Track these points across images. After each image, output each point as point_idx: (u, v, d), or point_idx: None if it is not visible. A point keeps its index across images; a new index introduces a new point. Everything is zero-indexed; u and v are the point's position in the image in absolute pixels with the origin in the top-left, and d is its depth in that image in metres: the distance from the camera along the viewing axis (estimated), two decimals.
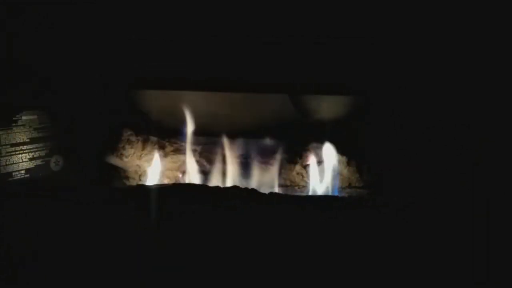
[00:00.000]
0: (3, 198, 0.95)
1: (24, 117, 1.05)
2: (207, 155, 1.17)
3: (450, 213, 0.87)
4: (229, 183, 1.13)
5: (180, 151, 1.18)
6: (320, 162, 1.13)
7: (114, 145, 1.16)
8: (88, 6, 0.97)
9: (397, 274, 0.81)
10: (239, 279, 0.81)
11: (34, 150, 1.07)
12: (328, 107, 1.12)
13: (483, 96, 0.99)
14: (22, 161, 1.05)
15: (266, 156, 1.15)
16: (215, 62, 1.02)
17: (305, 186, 1.14)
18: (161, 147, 1.18)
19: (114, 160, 1.17)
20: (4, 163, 1.02)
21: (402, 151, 1.08)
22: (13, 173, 1.03)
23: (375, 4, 0.94)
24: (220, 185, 1.11)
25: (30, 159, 1.07)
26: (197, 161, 1.17)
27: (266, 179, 1.13)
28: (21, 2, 0.97)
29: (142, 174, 1.18)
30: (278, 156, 1.14)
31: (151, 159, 1.17)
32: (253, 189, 0.98)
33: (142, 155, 1.17)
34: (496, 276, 0.80)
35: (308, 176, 1.14)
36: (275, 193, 1.02)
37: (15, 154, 1.04)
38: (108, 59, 1.03)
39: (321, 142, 1.13)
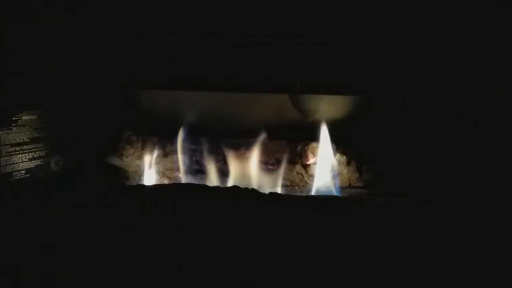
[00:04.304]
0: (3, 198, 0.95)
1: (24, 117, 1.05)
2: (208, 155, 1.17)
3: (450, 213, 0.87)
4: (229, 183, 1.13)
5: (180, 151, 1.18)
6: (320, 162, 1.13)
7: (114, 145, 1.16)
8: (88, 6, 0.97)
9: (396, 274, 0.80)
10: (239, 279, 0.81)
11: (34, 150, 1.07)
12: (328, 107, 1.12)
13: (483, 97, 0.99)
14: (22, 161, 1.05)
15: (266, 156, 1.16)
16: (215, 62, 1.02)
17: (305, 186, 1.14)
18: (161, 147, 1.18)
19: (114, 160, 1.17)
20: (4, 163, 1.02)
21: (402, 151, 1.08)
22: (13, 173, 1.03)
23: (376, 4, 0.94)
24: (220, 185, 1.11)
25: (30, 159, 1.07)
26: (197, 161, 1.17)
27: (266, 179, 1.13)
28: (22, 2, 0.97)
29: (142, 174, 1.18)
30: (279, 157, 1.14)
31: (151, 159, 1.17)
32: (253, 189, 0.98)
33: (142, 155, 1.17)
34: (494, 276, 0.80)
35: (308, 176, 1.14)
36: (275, 193, 1.02)
37: (15, 154, 1.04)
38: (108, 59, 1.03)
39: (321, 142, 1.13)
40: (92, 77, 1.11)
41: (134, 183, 1.16)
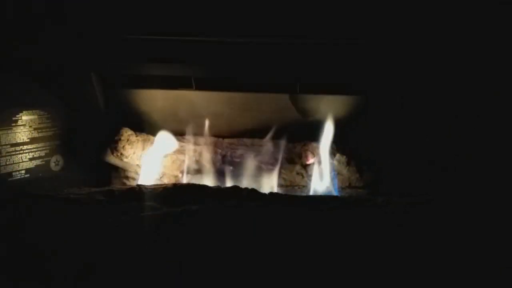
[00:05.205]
0: (3, 198, 0.95)
1: (24, 117, 1.05)
2: (207, 155, 1.17)
3: (450, 212, 0.87)
4: (229, 183, 1.13)
5: (180, 151, 1.18)
6: (320, 162, 1.13)
7: (114, 145, 1.16)
8: (88, 5, 0.97)
9: (397, 274, 0.80)
10: (239, 279, 0.81)
11: (34, 150, 1.08)
12: (328, 107, 1.12)
13: (481, 97, 0.99)
14: (22, 161, 1.05)
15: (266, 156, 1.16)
16: (215, 62, 1.02)
17: (305, 186, 1.14)
18: None
19: (114, 160, 1.17)
20: (4, 163, 1.02)
21: (402, 151, 1.08)
22: (13, 173, 1.03)
23: (376, 4, 0.94)
24: (220, 185, 1.11)
25: (30, 159, 1.07)
26: (197, 161, 1.17)
27: (266, 179, 1.13)
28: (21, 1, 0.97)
29: (142, 174, 1.18)
30: (278, 156, 1.14)
31: (151, 159, 1.17)
32: (253, 189, 0.98)
33: (142, 155, 1.17)
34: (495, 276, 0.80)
35: (308, 176, 1.14)
36: (275, 193, 1.02)
37: (15, 154, 1.04)
38: (108, 58, 1.03)
39: (321, 142, 1.13)
40: (92, 77, 1.12)
41: (134, 183, 1.16)
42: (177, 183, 1.13)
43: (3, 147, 1.02)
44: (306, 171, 1.15)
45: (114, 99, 1.16)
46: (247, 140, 1.18)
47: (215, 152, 1.17)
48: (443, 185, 1.01)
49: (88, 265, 0.83)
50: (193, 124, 1.16)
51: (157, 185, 1.07)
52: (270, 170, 1.14)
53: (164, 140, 1.16)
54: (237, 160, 1.15)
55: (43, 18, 0.97)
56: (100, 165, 1.18)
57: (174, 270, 0.81)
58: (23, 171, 1.05)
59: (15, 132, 1.04)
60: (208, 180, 1.14)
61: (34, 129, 1.07)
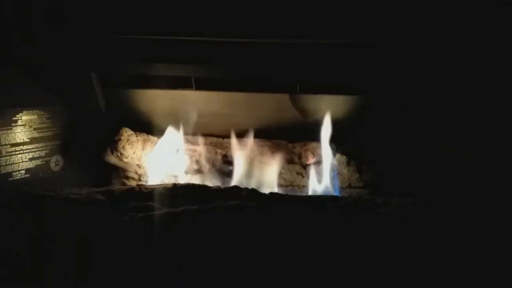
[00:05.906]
0: (3, 198, 0.95)
1: (24, 117, 1.05)
2: (208, 155, 1.17)
3: (450, 212, 0.87)
4: (229, 183, 1.13)
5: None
6: (320, 162, 1.13)
7: (114, 145, 1.16)
8: (88, 5, 0.97)
9: (397, 274, 0.81)
10: (239, 280, 0.81)
11: (34, 150, 1.08)
12: (328, 107, 1.12)
13: (482, 97, 0.99)
14: (22, 161, 1.05)
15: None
16: (215, 62, 1.02)
17: (305, 186, 1.14)
18: None
19: (114, 160, 1.17)
20: (4, 163, 1.02)
21: (402, 151, 1.08)
22: (13, 173, 1.03)
23: (377, 5, 0.93)
24: (220, 185, 1.11)
25: (30, 159, 1.07)
26: (197, 161, 1.17)
27: (266, 179, 1.13)
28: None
29: (142, 174, 1.18)
30: (278, 156, 1.14)
31: (151, 159, 1.17)
32: (253, 189, 0.98)
33: (142, 155, 1.17)
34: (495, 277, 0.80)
35: (308, 176, 1.14)
36: (275, 193, 1.02)
37: (15, 154, 1.04)
38: (108, 58, 1.03)
39: (321, 142, 1.13)
40: (92, 77, 1.12)
41: (134, 183, 1.16)
42: (177, 183, 1.13)
43: (3, 147, 1.02)
44: (306, 171, 1.15)
45: (114, 99, 1.16)
46: (247, 140, 1.18)
47: (215, 152, 1.17)
48: (443, 185, 1.01)
49: (88, 265, 0.83)
50: (193, 124, 1.16)
51: (157, 185, 1.07)
52: (270, 170, 1.14)
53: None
54: (237, 160, 1.15)
55: (43, 18, 0.97)
56: (100, 165, 1.18)
57: (174, 270, 0.81)
58: (23, 171, 1.05)
59: (15, 132, 1.04)
60: (208, 180, 1.14)
61: (34, 129, 1.07)
